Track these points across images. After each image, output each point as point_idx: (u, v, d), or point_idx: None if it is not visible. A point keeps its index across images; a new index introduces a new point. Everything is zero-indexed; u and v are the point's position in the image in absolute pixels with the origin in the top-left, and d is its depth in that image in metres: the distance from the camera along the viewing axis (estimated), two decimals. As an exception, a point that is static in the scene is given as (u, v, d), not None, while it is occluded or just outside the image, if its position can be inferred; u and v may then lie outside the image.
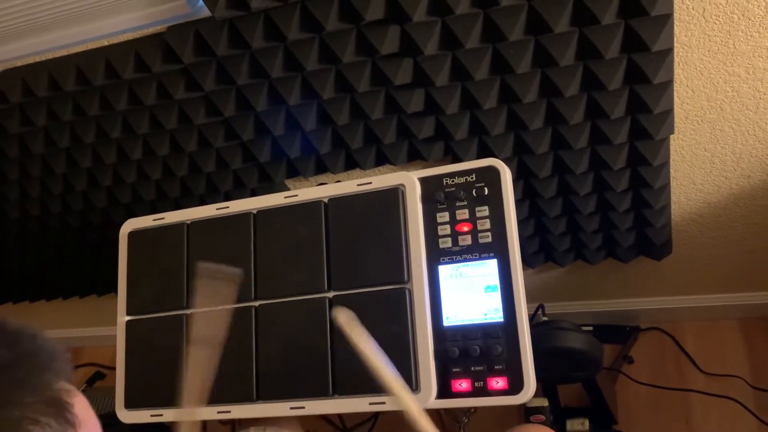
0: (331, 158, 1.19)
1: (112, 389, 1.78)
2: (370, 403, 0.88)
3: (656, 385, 1.57)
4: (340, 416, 1.66)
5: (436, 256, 0.91)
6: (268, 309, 0.97)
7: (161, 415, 0.99)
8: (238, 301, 0.98)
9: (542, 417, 1.20)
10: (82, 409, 0.43)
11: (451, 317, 0.89)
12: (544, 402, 1.25)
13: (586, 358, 1.25)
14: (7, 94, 1.13)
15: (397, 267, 0.91)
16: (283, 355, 0.94)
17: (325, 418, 1.70)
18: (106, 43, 1.06)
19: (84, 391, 1.90)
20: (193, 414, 0.77)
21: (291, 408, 0.92)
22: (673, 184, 1.19)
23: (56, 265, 1.63)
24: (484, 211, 0.90)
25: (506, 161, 0.93)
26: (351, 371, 0.90)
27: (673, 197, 1.23)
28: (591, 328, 1.55)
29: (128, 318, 1.05)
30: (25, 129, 1.21)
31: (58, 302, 1.84)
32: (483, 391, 0.85)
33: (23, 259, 1.63)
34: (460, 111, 1.04)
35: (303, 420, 1.71)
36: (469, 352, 0.86)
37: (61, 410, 0.40)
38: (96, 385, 2.03)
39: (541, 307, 1.39)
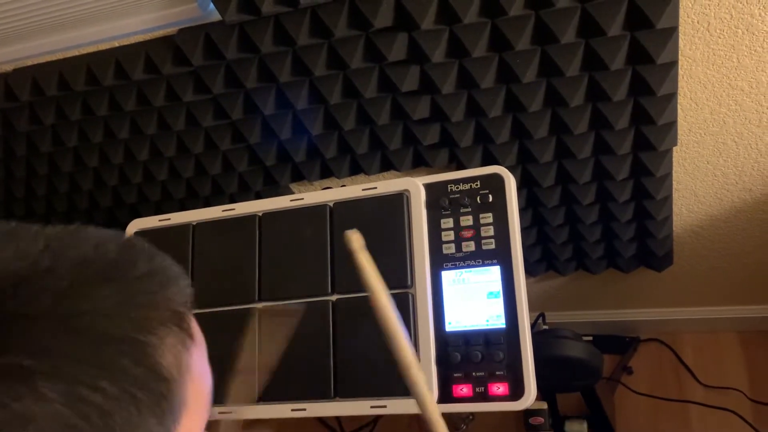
0: (336, 163, 1.20)
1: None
2: (372, 407, 0.88)
3: (655, 396, 1.57)
4: (338, 420, 1.67)
5: (440, 262, 0.92)
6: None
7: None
8: (242, 303, 0.99)
9: (541, 419, 1.21)
10: (196, 327, 0.46)
11: (454, 323, 0.89)
12: (543, 405, 1.25)
13: (586, 368, 1.25)
14: (17, 93, 1.14)
15: (400, 272, 0.91)
16: (286, 357, 0.94)
17: (323, 421, 1.70)
18: (116, 44, 1.07)
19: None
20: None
21: (292, 410, 0.93)
22: (675, 195, 1.20)
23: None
24: (488, 218, 0.91)
25: (510, 169, 0.94)
26: (353, 374, 0.90)
27: (675, 209, 1.24)
28: (591, 339, 1.55)
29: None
30: (34, 127, 1.22)
31: (59, 301, 1.85)
32: (484, 397, 0.85)
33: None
34: (465, 118, 1.05)
35: (302, 423, 1.71)
36: (471, 358, 0.86)
37: (181, 323, 0.42)
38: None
39: (541, 315, 1.39)
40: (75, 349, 0.36)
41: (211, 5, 0.96)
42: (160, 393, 0.39)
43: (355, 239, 0.75)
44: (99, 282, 0.39)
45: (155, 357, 0.39)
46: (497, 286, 0.88)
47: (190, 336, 0.44)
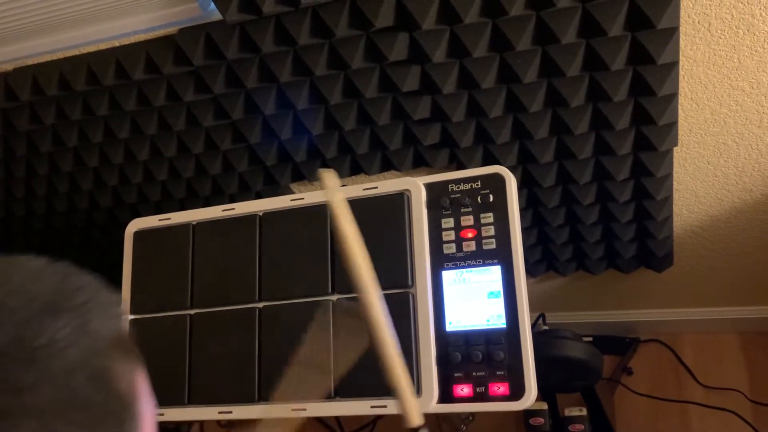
0: (336, 163, 1.20)
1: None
2: (372, 407, 0.88)
3: (655, 396, 1.57)
4: (338, 420, 1.67)
5: (440, 262, 0.92)
6: (272, 310, 0.97)
7: (162, 414, 0.99)
8: (242, 302, 0.99)
9: (541, 420, 1.21)
10: (135, 347, 0.46)
11: (454, 322, 0.89)
12: (543, 405, 1.25)
13: (586, 368, 1.25)
14: (17, 92, 1.14)
15: (401, 271, 0.91)
16: (286, 357, 0.94)
17: (323, 422, 1.70)
18: (117, 44, 1.07)
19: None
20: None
21: (293, 410, 0.92)
22: (675, 196, 1.20)
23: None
24: (488, 217, 0.91)
25: (510, 170, 0.94)
26: (353, 374, 0.90)
27: (675, 209, 1.24)
28: (591, 339, 1.55)
29: (132, 317, 1.05)
30: (34, 127, 1.22)
31: (59, 301, 1.85)
32: (484, 397, 0.85)
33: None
34: (466, 119, 1.05)
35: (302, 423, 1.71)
36: (471, 358, 0.86)
37: (125, 346, 0.43)
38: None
39: (542, 316, 1.39)
40: (42, 382, 0.36)
41: (212, 5, 0.96)
42: (122, 417, 0.40)
43: (329, 177, 0.67)
44: (51, 313, 0.39)
45: (113, 382, 0.40)
46: (498, 285, 0.88)
47: (134, 358, 0.44)
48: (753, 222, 1.25)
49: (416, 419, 0.67)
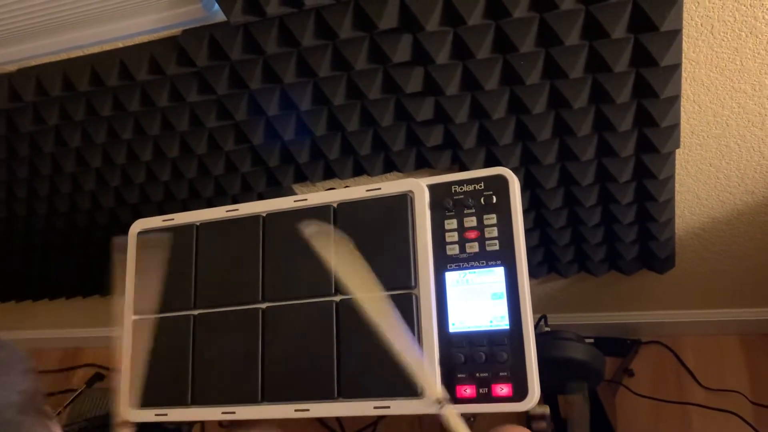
0: (339, 164, 1.20)
1: (112, 390, 1.78)
2: (375, 407, 0.88)
3: (656, 398, 1.57)
4: (339, 421, 1.67)
5: (444, 263, 0.92)
6: (275, 311, 0.97)
7: (166, 414, 0.99)
8: (246, 303, 0.99)
9: (543, 424, 1.21)
10: (44, 399, 0.44)
11: (457, 323, 0.89)
12: (545, 409, 1.25)
13: (588, 369, 1.25)
14: (20, 93, 1.14)
15: (404, 272, 0.92)
16: (289, 358, 0.95)
17: (324, 422, 1.70)
18: (120, 44, 1.07)
19: (83, 392, 1.83)
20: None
21: (296, 410, 0.93)
22: (677, 198, 1.20)
23: (61, 264, 1.64)
24: (491, 219, 0.91)
25: (513, 171, 0.94)
26: (356, 374, 0.90)
27: (678, 211, 1.24)
28: (592, 341, 1.56)
29: (135, 317, 1.05)
30: (37, 128, 1.23)
31: (60, 302, 1.85)
32: (487, 398, 0.85)
33: (28, 257, 1.63)
34: (469, 120, 1.06)
35: (303, 424, 1.71)
36: (475, 359, 0.86)
37: (38, 405, 0.41)
38: (95, 386, 2.03)
39: (543, 317, 1.40)
40: None
41: (216, 6, 0.96)
42: None
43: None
44: None
45: None
46: (501, 287, 0.88)
47: (47, 414, 0.42)
48: (755, 224, 1.25)
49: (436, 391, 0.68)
